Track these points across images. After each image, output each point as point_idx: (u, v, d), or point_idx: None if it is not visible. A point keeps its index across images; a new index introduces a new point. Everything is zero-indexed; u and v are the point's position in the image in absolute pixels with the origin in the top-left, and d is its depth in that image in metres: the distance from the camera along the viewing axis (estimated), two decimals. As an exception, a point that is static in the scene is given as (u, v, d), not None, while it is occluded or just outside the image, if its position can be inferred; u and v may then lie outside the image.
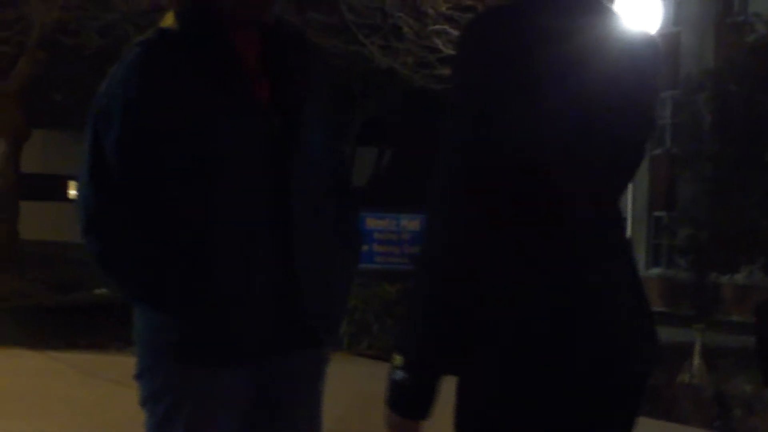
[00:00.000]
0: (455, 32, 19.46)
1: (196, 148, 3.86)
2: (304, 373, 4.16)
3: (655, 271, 43.48)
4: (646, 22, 19.07)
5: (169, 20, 4.04)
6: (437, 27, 20.63)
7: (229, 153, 3.90)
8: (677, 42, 42.70)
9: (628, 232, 18.56)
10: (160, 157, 3.85)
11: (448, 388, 3.55)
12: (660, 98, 41.55)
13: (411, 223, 24.64)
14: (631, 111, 3.70)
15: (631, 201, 17.18)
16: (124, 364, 15.04)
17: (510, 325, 3.48)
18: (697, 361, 17.46)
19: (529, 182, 3.51)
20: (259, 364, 4.03)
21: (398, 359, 3.42)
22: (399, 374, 3.43)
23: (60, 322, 17.87)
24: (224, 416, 3.98)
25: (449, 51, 19.61)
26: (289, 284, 4.00)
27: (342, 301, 4.26)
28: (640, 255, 42.77)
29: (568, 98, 3.57)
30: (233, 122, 3.91)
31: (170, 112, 3.84)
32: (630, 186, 18.42)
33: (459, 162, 3.47)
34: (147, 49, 3.96)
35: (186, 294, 3.88)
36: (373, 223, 24.41)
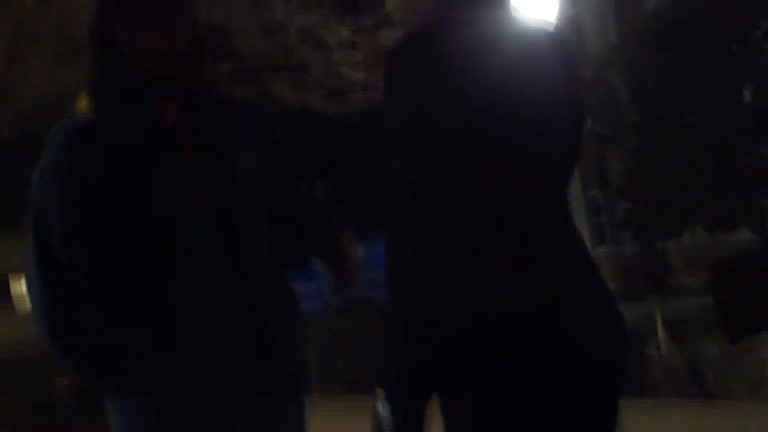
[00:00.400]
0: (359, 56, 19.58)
1: (139, 221, 3.84)
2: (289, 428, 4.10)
3: (602, 250, 43.64)
4: (548, 6, 19.16)
5: (82, 102, 4.03)
6: (340, 54, 20.72)
7: (171, 217, 3.89)
8: (578, 22, 42.97)
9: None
10: (107, 238, 3.82)
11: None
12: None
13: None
14: (554, 102, 3.78)
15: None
16: None
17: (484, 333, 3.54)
18: (659, 332, 17.53)
19: (472, 184, 3.59)
20: (247, 427, 3.97)
21: (381, 393, 3.40)
22: (383, 408, 3.41)
23: (25, 422, 17.84)
24: None
25: (357, 75, 19.69)
26: (263, 345, 3.98)
27: (305, 344, 4.25)
28: (584, 237, 42.96)
29: (492, 101, 3.65)
30: (170, 186, 3.91)
31: (108, 189, 3.82)
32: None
33: (406, 180, 3.54)
34: (72, 131, 3.98)
35: (165, 376, 3.87)
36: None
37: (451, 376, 3.47)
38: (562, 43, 3.97)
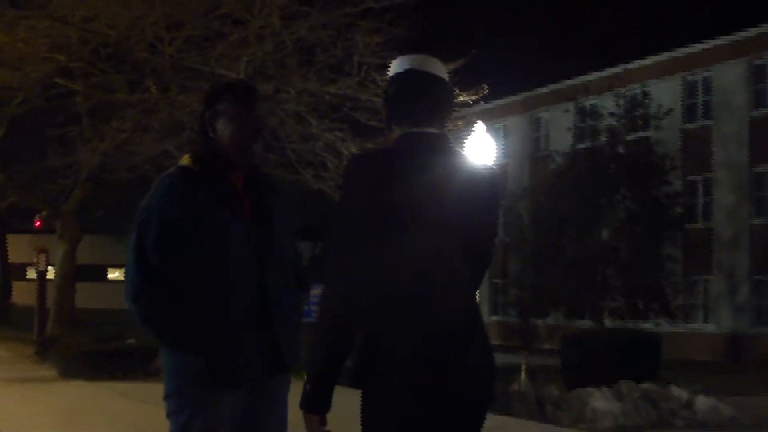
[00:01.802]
0: None
1: (206, 247, 3.94)
2: (277, 392, 4.19)
3: (495, 318, 43.70)
4: (486, 156, 19.27)
5: (185, 160, 4.12)
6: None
7: (228, 248, 3.98)
8: (505, 169, 43.12)
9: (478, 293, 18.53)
10: (182, 251, 3.92)
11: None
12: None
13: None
14: (475, 220, 3.68)
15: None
16: (148, 389, 15.02)
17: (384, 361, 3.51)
18: (523, 375, 17.49)
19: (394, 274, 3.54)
20: (249, 388, 4.07)
21: (305, 375, 3.50)
22: (306, 385, 3.51)
23: (104, 362, 17.70)
24: (225, 427, 4.01)
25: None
26: (269, 335, 4.08)
27: (298, 343, 4.32)
28: (485, 308, 43.00)
29: (424, 219, 3.56)
30: (231, 230, 4.00)
31: (189, 222, 3.92)
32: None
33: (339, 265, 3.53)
34: (175, 179, 4.03)
35: (203, 340, 3.96)
36: (313, 291, 24.28)
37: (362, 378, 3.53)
38: (491, 179, 3.79)
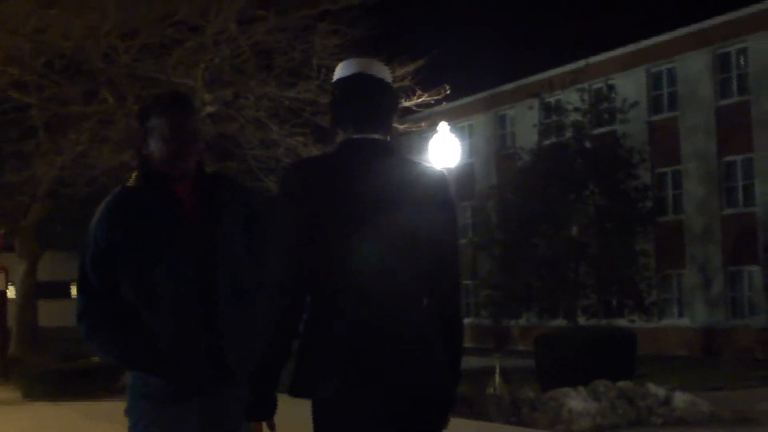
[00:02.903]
0: None
1: (144, 265, 3.95)
2: (236, 405, 4.11)
3: (467, 320, 43.67)
4: (450, 156, 19.24)
5: (131, 180, 4.14)
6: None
7: (169, 261, 3.97)
8: (472, 168, 43.16)
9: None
10: (119, 272, 3.96)
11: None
12: (462, 206, 41.95)
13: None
14: (424, 228, 3.64)
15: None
16: (112, 407, 14.86)
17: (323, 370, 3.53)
18: (497, 378, 17.48)
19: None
20: (200, 401, 4.05)
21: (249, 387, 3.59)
22: (249, 395, 3.59)
23: (68, 382, 17.57)
24: None
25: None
26: (216, 345, 4.04)
27: (253, 355, 4.25)
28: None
29: (361, 226, 3.56)
30: (171, 242, 3.99)
31: (125, 243, 3.94)
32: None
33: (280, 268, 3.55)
34: (113, 199, 4.08)
35: (144, 358, 3.99)
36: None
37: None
38: (437, 177, 3.75)
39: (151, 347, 3.97)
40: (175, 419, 4.02)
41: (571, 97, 34.73)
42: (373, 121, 3.74)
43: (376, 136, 3.74)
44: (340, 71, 3.82)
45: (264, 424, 3.61)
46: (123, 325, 3.99)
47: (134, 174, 4.18)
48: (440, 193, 3.75)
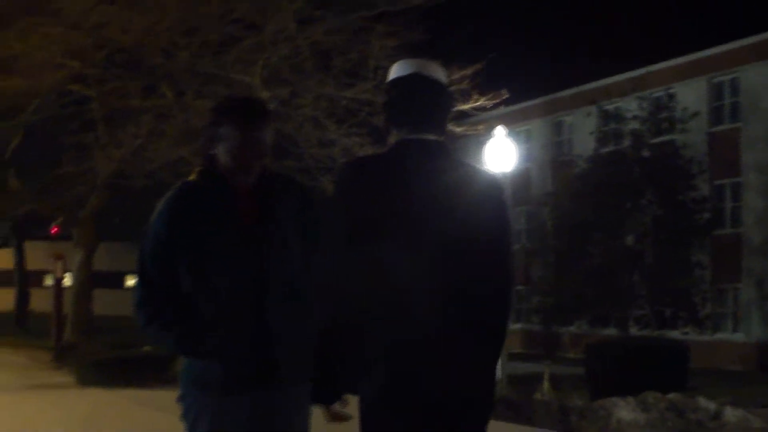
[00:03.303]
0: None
1: (200, 260, 4.04)
2: (286, 405, 4.17)
3: (518, 326, 43.51)
4: (507, 161, 19.17)
5: (193, 176, 4.21)
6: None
7: (224, 256, 4.05)
8: (528, 173, 43.01)
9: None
10: (178, 261, 4.05)
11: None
12: (517, 211, 41.83)
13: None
14: (475, 230, 3.62)
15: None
16: (163, 396, 14.97)
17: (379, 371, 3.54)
18: (546, 384, 17.40)
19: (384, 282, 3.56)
20: (252, 396, 4.08)
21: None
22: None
23: (121, 369, 17.76)
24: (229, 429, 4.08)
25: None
26: (264, 339, 4.09)
27: (307, 353, 4.28)
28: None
29: (413, 227, 3.56)
30: (228, 237, 4.05)
31: (182, 238, 4.03)
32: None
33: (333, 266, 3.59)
34: (174, 195, 4.16)
35: (195, 347, 4.07)
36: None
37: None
38: (491, 181, 3.74)
39: (202, 337, 4.04)
40: (224, 411, 4.06)
41: (630, 105, 34.52)
42: (428, 121, 3.73)
43: (431, 137, 3.73)
44: (396, 71, 3.82)
45: (330, 408, 3.64)
46: (178, 316, 4.07)
47: (196, 170, 4.24)
48: (494, 197, 3.72)
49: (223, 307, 4.05)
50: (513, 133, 31.25)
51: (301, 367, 4.07)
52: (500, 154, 19.61)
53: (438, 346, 3.55)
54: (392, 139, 3.77)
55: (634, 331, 30.77)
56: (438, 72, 3.83)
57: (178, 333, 4.07)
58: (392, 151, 3.72)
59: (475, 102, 19.88)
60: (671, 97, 36.76)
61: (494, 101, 19.85)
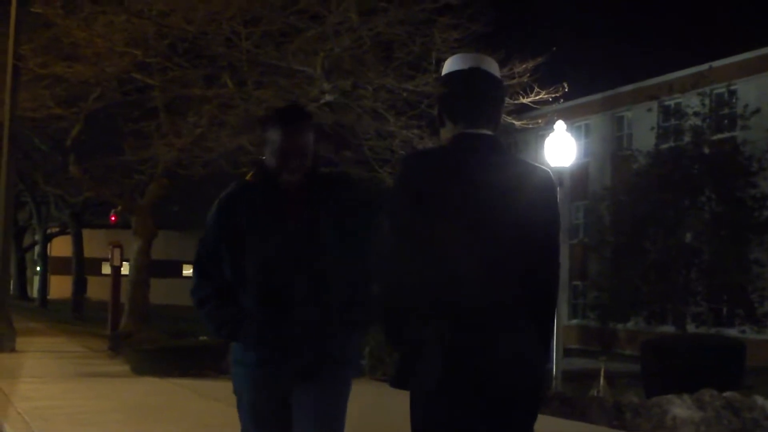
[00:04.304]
0: None
1: (242, 250, 4.51)
2: (328, 385, 4.52)
3: (574, 321, 43.36)
4: (566, 155, 19.12)
5: (249, 176, 4.70)
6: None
7: (260, 252, 4.49)
8: (586, 168, 42.78)
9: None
10: (223, 255, 4.55)
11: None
12: (575, 206, 41.63)
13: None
14: (528, 225, 3.71)
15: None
16: (219, 386, 15.08)
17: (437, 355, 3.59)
18: (601, 381, 17.37)
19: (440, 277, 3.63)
20: (293, 373, 4.49)
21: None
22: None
23: (177, 359, 17.86)
24: (267, 401, 4.54)
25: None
26: (290, 329, 4.48)
27: (354, 340, 4.67)
28: (563, 311, 42.71)
29: (472, 220, 3.64)
30: (265, 234, 4.49)
31: (231, 231, 4.53)
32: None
33: (386, 263, 3.67)
34: (226, 195, 4.65)
35: (232, 329, 4.53)
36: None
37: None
38: (545, 176, 3.82)
39: (238, 321, 4.48)
40: (263, 384, 4.52)
41: (691, 101, 34.23)
42: (485, 116, 3.81)
43: (487, 132, 3.81)
44: (453, 65, 3.89)
45: None
46: (221, 304, 4.54)
47: (252, 171, 4.70)
48: (547, 192, 3.81)
49: (257, 298, 4.46)
50: (572, 128, 31.19)
51: (333, 359, 4.50)
52: (559, 148, 19.57)
53: (492, 331, 3.63)
54: (447, 131, 3.86)
55: (690, 328, 30.55)
56: (494, 67, 3.92)
57: (218, 321, 4.54)
58: (453, 145, 3.79)
59: (536, 96, 19.81)
60: (732, 93, 36.39)
61: (554, 95, 19.76)
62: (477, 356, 3.59)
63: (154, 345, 19.15)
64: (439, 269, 3.60)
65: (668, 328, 31.70)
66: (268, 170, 4.56)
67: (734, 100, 35.21)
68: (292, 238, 4.47)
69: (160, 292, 37.87)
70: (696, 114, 33.23)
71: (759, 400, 14.55)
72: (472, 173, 3.67)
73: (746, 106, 33.93)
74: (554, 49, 19.92)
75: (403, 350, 3.70)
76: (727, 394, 14.57)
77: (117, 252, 28.81)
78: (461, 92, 3.81)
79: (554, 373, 17.40)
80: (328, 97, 20.70)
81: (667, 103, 36.78)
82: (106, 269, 36.37)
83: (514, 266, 3.70)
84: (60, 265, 64.70)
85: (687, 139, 32.93)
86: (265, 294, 4.45)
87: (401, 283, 3.62)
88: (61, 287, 61.79)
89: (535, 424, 3.78)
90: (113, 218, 41.14)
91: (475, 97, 3.81)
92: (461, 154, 3.72)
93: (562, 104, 20.54)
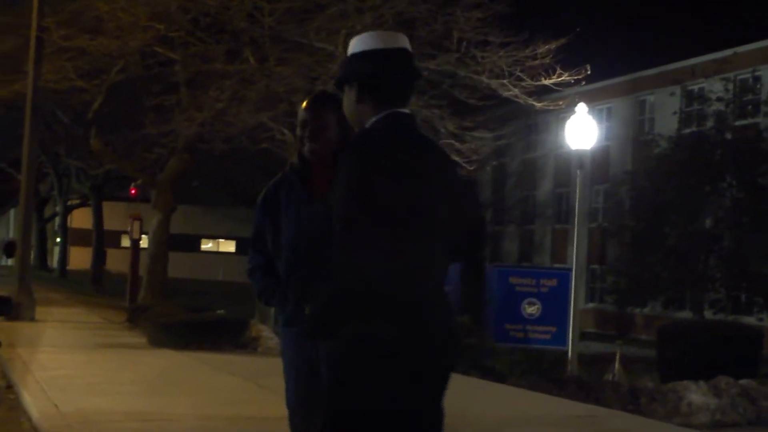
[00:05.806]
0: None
1: (278, 228, 5.13)
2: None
3: (591, 305, 43.28)
4: (587, 138, 19.01)
5: (293, 158, 5.31)
6: (446, 141, 20.60)
7: (289, 231, 5.07)
8: (607, 151, 42.62)
9: (574, 281, 18.53)
10: (273, 231, 5.15)
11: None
12: (594, 189, 41.50)
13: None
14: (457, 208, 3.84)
15: (575, 259, 17.32)
16: (236, 361, 15.06)
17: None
18: (617, 365, 17.33)
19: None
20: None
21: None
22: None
23: (194, 332, 17.90)
24: (299, 360, 4.99)
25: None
26: (300, 293, 4.96)
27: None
28: (581, 294, 42.68)
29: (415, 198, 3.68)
30: (303, 210, 5.04)
31: (272, 214, 5.17)
32: (575, 248, 18.37)
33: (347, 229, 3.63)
34: (275, 180, 5.26)
35: (270, 293, 5.18)
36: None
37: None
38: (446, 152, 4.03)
39: (273, 290, 5.14)
40: (294, 342, 5.02)
41: (715, 87, 34.04)
42: (409, 96, 3.93)
43: (407, 111, 3.89)
44: (378, 42, 3.89)
45: None
46: (266, 271, 5.20)
47: (294, 156, 5.29)
48: (458, 165, 3.97)
49: (286, 272, 5.04)
50: (594, 111, 31.05)
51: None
52: (580, 131, 19.47)
53: (437, 310, 3.77)
54: (367, 109, 3.86)
55: (708, 314, 30.46)
56: (409, 46, 3.97)
57: (259, 288, 5.23)
58: (393, 125, 3.80)
59: (558, 77, 19.73)
60: (757, 79, 36.16)
61: (576, 77, 19.67)
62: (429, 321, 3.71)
63: (172, 318, 19.20)
64: (396, 264, 3.61)
65: (686, 314, 31.62)
66: (305, 157, 5.08)
67: (758, 86, 34.99)
68: (315, 216, 4.89)
69: (178, 266, 38.00)
70: (719, 99, 33.03)
71: (775, 388, 14.50)
72: (420, 154, 3.76)
73: (770, 92, 33.73)
74: (578, 29, 19.83)
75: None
76: (743, 381, 14.52)
77: (136, 225, 28.90)
78: (393, 72, 3.84)
79: (570, 356, 17.39)
80: (349, 76, 20.67)
81: (690, 87, 36.60)
82: (126, 242, 36.61)
83: (457, 234, 3.88)
84: (80, 237, 65.01)
85: (709, 124, 32.77)
86: (291, 267, 5.00)
87: (360, 276, 3.58)
88: (80, 258, 62.08)
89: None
90: (133, 191, 41.26)
91: (407, 77, 3.89)
92: (406, 134, 3.79)
93: (584, 86, 20.43)
